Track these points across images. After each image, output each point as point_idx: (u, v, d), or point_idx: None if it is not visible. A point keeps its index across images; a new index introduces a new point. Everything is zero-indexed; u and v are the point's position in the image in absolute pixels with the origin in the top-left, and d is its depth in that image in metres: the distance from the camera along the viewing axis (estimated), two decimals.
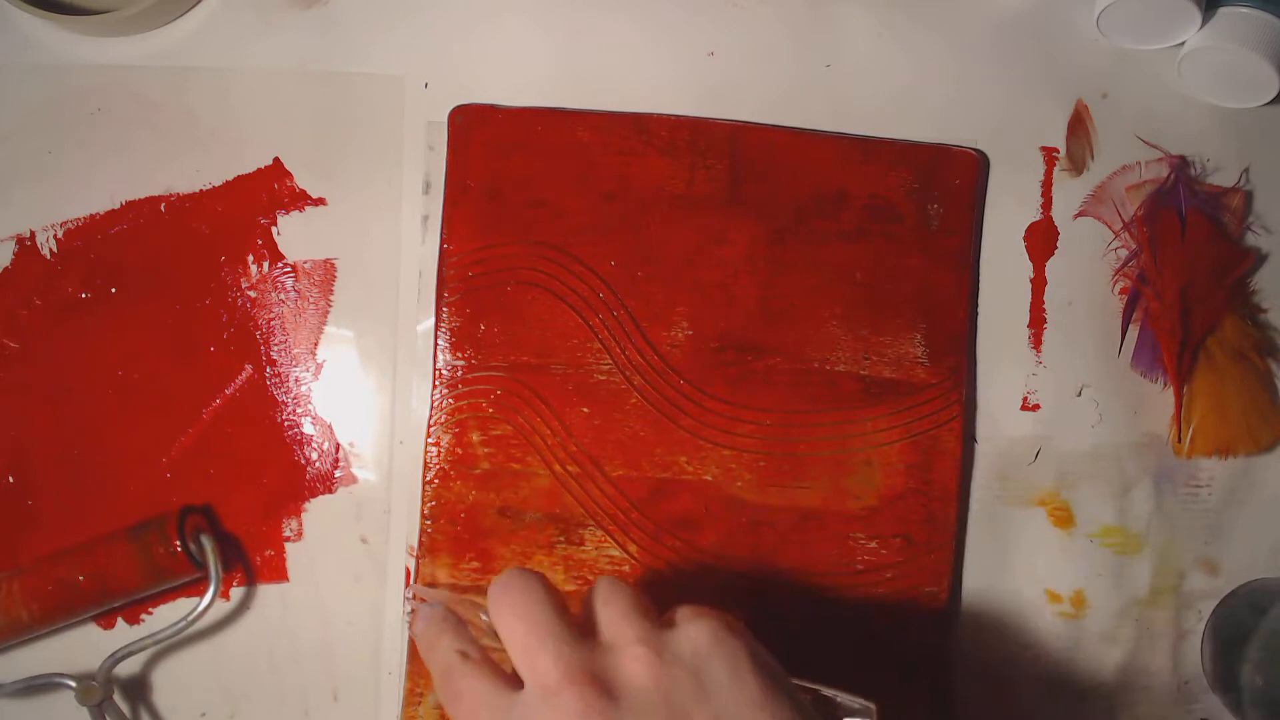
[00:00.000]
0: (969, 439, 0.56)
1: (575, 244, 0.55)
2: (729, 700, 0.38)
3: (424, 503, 0.55)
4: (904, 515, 0.55)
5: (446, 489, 0.55)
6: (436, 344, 0.55)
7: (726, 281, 0.55)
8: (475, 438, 0.55)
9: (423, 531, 0.55)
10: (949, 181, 0.56)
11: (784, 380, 0.55)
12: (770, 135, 0.56)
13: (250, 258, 0.57)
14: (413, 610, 0.47)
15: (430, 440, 0.55)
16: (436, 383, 0.55)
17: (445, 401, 0.55)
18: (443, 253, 0.55)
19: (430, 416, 0.55)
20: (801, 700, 0.40)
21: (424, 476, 0.55)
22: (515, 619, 0.40)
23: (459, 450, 0.55)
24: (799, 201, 0.55)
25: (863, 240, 0.55)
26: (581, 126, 0.56)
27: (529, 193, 0.55)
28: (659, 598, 0.54)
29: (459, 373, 0.55)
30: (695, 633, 0.40)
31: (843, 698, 0.44)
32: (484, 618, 0.44)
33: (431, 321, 0.55)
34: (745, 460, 0.55)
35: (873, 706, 0.43)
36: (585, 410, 0.55)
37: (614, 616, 0.41)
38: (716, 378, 0.55)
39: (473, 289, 0.55)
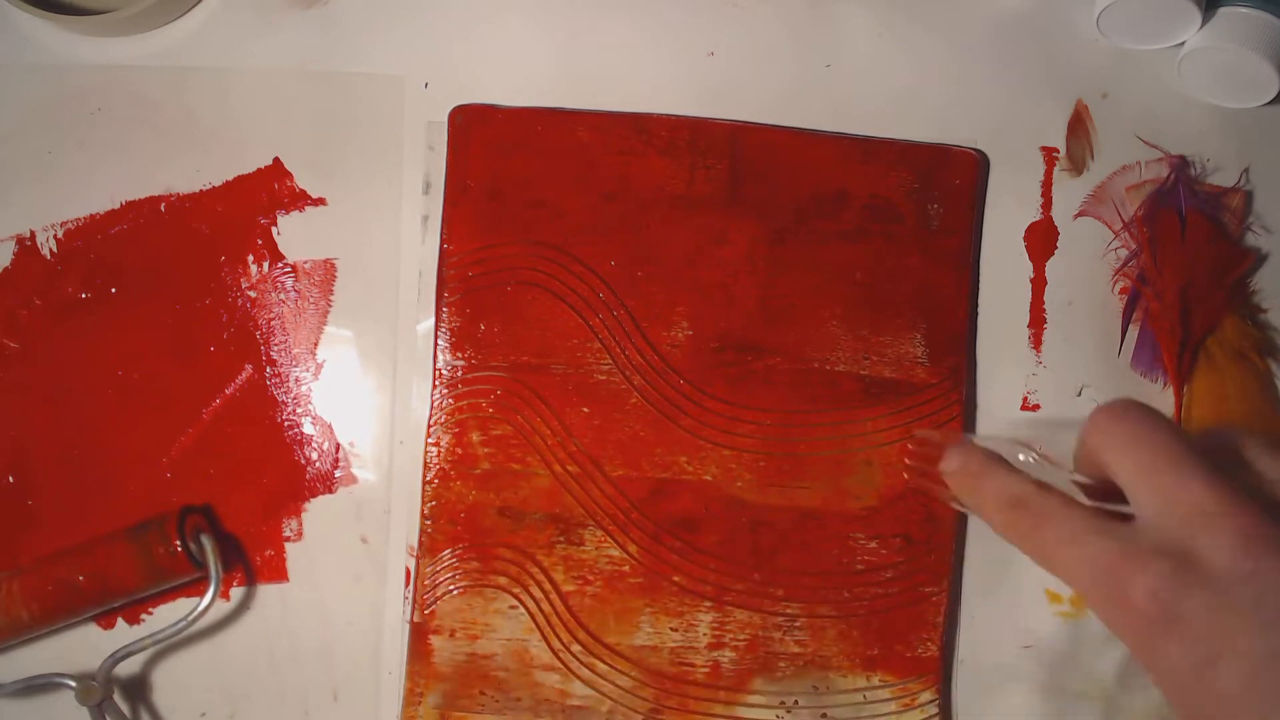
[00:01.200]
0: (969, 436, 0.56)
1: (575, 244, 0.55)
2: None
3: (424, 502, 0.55)
4: (904, 515, 0.55)
5: (446, 489, 0.55)
6: (436, 344, 0.55)
7: (726, 281, 0.55)
8: (475, 438, 0.55)
9: (423, 531, 0.55)
10: (949, 181, 0.56)
11: (784, 380, 0.55)
12: (770, 135, 0.56)
13: (250, 258, 0.57)
14: (914, 450, 0.45)
15: (430, 440, 0.55)
16: (436, 383, 0.55)
17: (445, 401, 0.55)
18: (443, 253, 0.55)
19: (430, 416, 0.55)
20: None
21: (424, 476, 0.55)
22: (1134, 446, 0.36)
23: (459, 450, 0.55)
24: (799, 201, 0.55)
25: (863, 240, 0.55)
26: (581, 126, 0.56)
27: (529, 193, 0.55)
28: (657, 597, 0.54)
29: (459, 373, 0.55)
30: None
31: None
32: (1024, 458, 0.41)
33: (431, 321, 0.55)
34: (745, 460, 0.55)
35: None
36: (585, 410, 0.55)
37: (1262, 469, 0.37)
38: (716, 378, 0.55)
39: (473, 289, 0.55)
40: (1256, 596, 0.33)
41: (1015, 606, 0.56)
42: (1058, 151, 0.57)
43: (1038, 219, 0.57)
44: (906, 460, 0.48)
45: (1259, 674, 0.33)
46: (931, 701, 0.54)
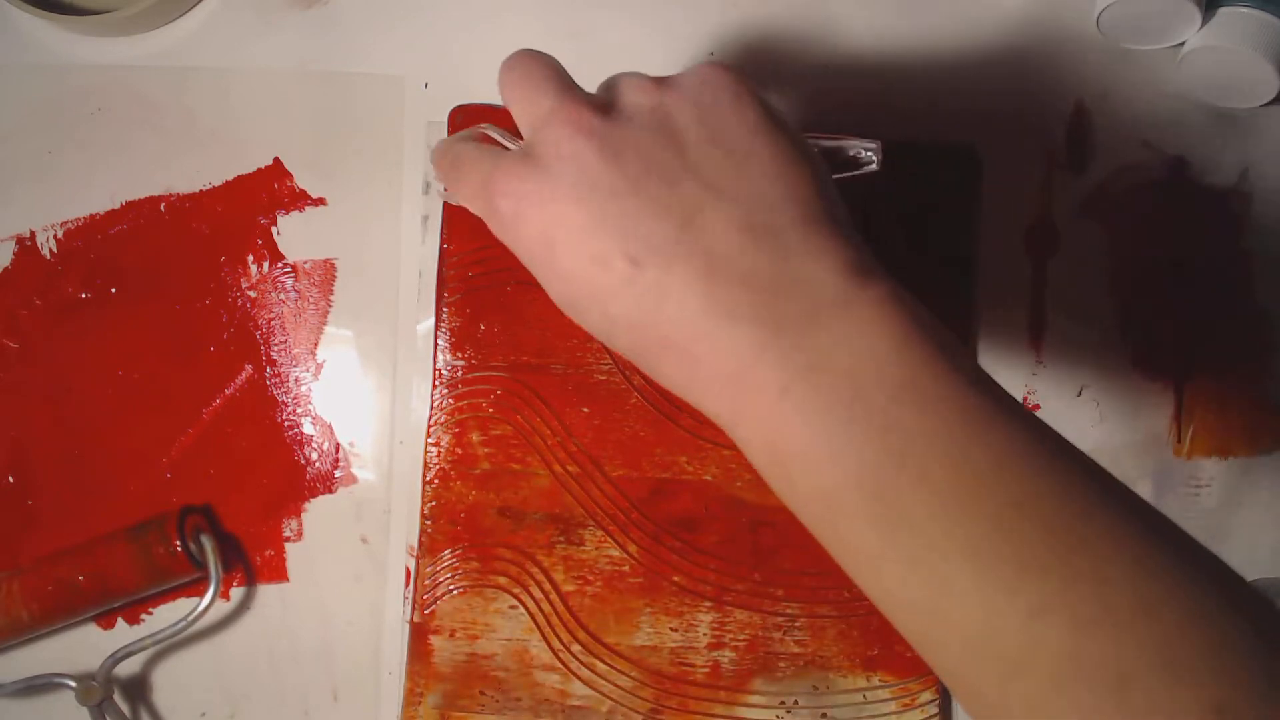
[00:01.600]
0: None
1: None
2: (727, 123, 0.38)
3: (424, 502, 0.55)
4: None
5: (446, 489, 0.55)
6: (437, 344, 0.55)
7: None
8: (475, 438, 0.55)
9: (423, 531, 0.55)
10: (947, 181, 0.56)
11: None
12: None
13: (250, 258, 0.57)
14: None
15: (430, 440, 0.55)
16: (436, 383, 0.55)
17: (445, 401, 0.55)
18: (443, 252, 0.55)
19: (430, 416, 0.55)
20: (803, 137, 0.40)
21: (424, 476, 0.55)
22: (517, 81, 0.40)
23: (459, 450, 0.55)
24: None
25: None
26: None
27: None
28: (657, 597, 0.54)
29: (459, 373, 0.55)
30: (700, 70, 0.40)
31: (848, 142, 0.44)
32: (489, 132, 0.45)
33: (431, 321, 0.55)
34: (745, 460, 0.54)
35: (877, 143, 0.44)
36: (585, 410, 0.55)
37: (616, 78, 0.41)
38: None
39: (473, 289, 0.55)
40: (575, 172, 0.37)
41: None
42: (1058, 151, 0.57)
43: (1038, 219, 0.57)
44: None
45: (581, 240, 0.37)
46: (932, 701, 0.54)
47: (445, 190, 0.46)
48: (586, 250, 0.37)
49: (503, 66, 0.41)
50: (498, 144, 0.44)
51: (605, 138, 0.37)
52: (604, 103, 0.39)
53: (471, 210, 0.41)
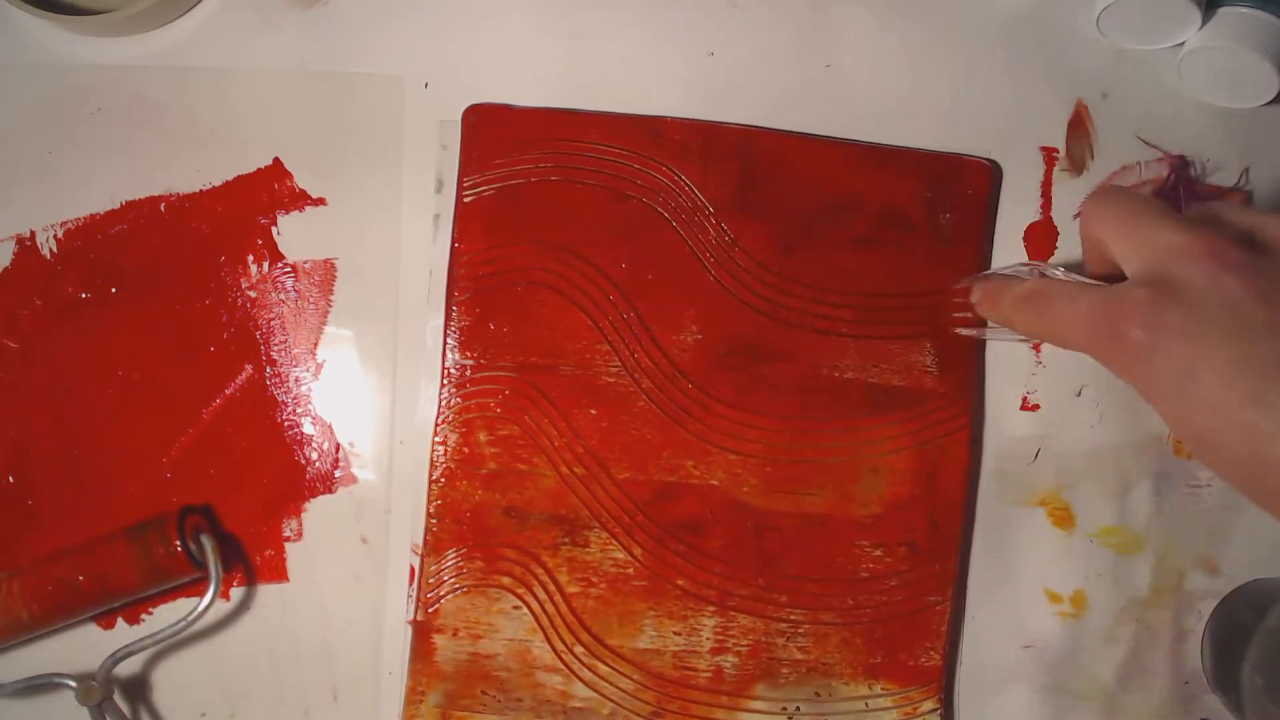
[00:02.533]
0: (975, 445, 0.56)
1: (586, 245, 0.55)
2: None
3: (429, 501, 0.55)
4: (909, 523, 0.55)
5: (452, 488, 0.55)
6: (445, 343, 0.55)
7: (737, 286, 0.55)
8: (482, 437, 0.55)
9: (428, 530, 0.55)
10: (962, 191, 0.56)
11: (792, 386, 0.55)
12: (782, 141, 0.56)
13: (250, 258, 0.56)
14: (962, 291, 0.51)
15: (437, 439, 0.55)
16: (445, 382, 0.55)
17: (453, 400, 0.55)
18: (453, 252, 0.55)
19: (438, 415, 0.55)
20: None
21: (430, 475, 0.55)
22: (1119, 214, 0.40)
23: (466, 449, 0.55)
24: (811, 208, 0.55)
25: (874, 248, 0.55)
26: (594, 127, 0.56)
27: (540, 193, 0.55)
28: (661, 601, 0.55)
29: (467, 372, 0.55)
30: None
31: None
32: (1038, 273, 0.46)
33: (441, 320, 0.55)
34: (752, 465, 0.55)
35: None
36: (593, 412, 0.55)
37: (1249, 213, 0.40)
38: (725, 382, 0.55)
39: (483, 288, 0.55)
40: (1223, 308, 0.36)
41: (1015, 606, 0.56)
42: (1058, 151, 0.58)
43: (1038, 219, 0.57)
44: (954, 315, 0.53)
45: (1232, 378, 0.36)
46: (934, 710, 0.55)
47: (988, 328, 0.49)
48: (1240, 388, 0.36)
49: (1094, 199, 0.43)
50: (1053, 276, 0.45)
51: (1256, 274, 0.37)
52: (1242, 237, 0.38)
53: (1067, 342, 0.42)
